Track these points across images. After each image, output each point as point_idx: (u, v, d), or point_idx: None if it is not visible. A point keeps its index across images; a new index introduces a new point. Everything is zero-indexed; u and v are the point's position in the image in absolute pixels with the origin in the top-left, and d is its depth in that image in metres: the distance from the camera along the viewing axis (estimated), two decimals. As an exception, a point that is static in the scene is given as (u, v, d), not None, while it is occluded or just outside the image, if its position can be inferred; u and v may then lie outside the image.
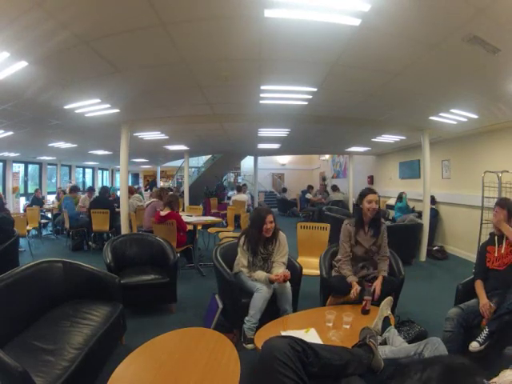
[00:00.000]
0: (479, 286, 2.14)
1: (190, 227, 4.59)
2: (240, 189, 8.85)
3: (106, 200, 5.83)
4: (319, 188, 10.57)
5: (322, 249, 3.05)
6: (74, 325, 1.90)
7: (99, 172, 15.31)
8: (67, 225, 5.82)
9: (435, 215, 5.69)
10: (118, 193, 7.11)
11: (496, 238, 2.23)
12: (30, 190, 10.32)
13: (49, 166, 11.32)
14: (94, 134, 5.87)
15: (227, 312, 2.45)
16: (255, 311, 2.23)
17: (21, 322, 1.85)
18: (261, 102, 3.82)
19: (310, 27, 2.03)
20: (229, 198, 9.93)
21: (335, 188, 9.09)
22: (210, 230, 5.53)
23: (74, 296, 2.24)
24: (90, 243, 5.63)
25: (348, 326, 1.89)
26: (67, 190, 7.42)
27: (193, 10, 1.89)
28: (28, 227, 5.97)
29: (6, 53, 2.34)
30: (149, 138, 6.30)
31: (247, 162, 13.61)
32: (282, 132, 5.99)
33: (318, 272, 2.65)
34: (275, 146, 7.78)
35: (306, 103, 3.83)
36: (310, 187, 9.93)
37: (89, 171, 14.60)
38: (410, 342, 1.76)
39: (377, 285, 2.33)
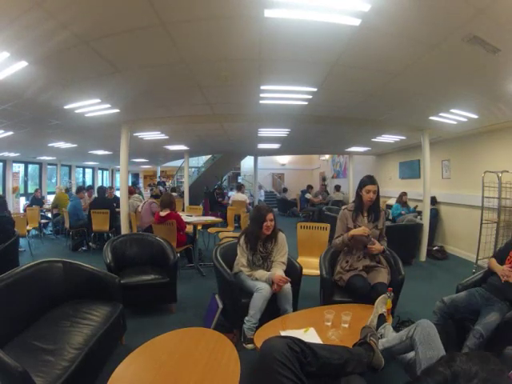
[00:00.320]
0: (493, 262, 2.20)
1: (189, 227, 4.60)
2: (240, 188, 8.86)
3: (105, 200, 5.83)
4: (319, 188, 10.57)
5: (321, 249, 3.05)
6: (74, 325, 1.90)
7: (99, 172, 15.31)
8: (67, 225, 5.82)
9: (435, 215, 5.69)
10: (117, 193, 7.09)
11: None
12: (30, 189, 10.31)
13: (49, 166, 11.32)
14: (93, 134, 5.87)
15: (227, 312, 2.45)
16: (255, 311, 2.23)
17: (21, 321, 1.85)
18: (261, 102, 3.82)
19: (310, 27, 2.03)
20: (228, 198, 9.93)
21: (338, 188, 9.09)
22: (209, 229, 5.53)
23: (74, 296, 2.24)
24: (90, 243, 5.64)
25: (347, 325, 1.89)
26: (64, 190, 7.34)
27: (193, 9, 1.89)
28: (28, 227, 5.98)
29: (6, 53, 2.35)
30: (149, 138, 6.30)
31: (247, 162, 13.62)
32: (281, 132, 5.99)
33: (317, 272, 2.65)
34: (275, 146, 7.78)
35: (306, 103, 3.83)
36: (310, 187, 9.93)
37: (89, 171, 14.61)
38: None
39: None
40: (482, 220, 4.31)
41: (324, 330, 1.86)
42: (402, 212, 5.65)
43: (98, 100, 3.66)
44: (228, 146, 7.96)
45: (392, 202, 6.68)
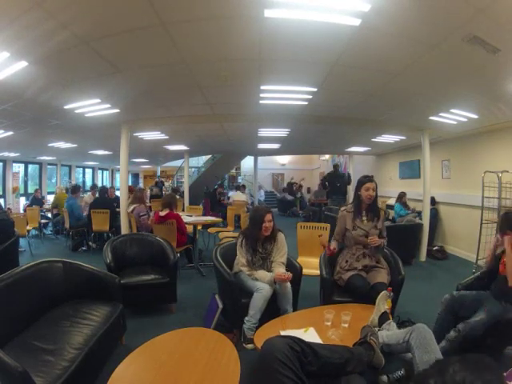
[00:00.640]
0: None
1: (189, 227, 4.59)
2: (240, 188, 8.87)
3: (106, 200, 5.82)
4: (318, 188, 10.54)
5: (322, 249, 3.05)
6: (74, 325, 1.90)
7: (99, 172, 15.30)
8: (67, 225, 5.82)
9: (435, 215, 5.69)
10: (117, 192, 7.07)
11: None
12: (30, 189, 10.31)
13: (49, 166, 11.31)
14: (93, 134, 5.87)
15: (227, 312, 2.45)
16: (255, 311, 2.23)
17: (21, 321, 1.84)
18: (261, 102, 3.82)
19: (310, 27, 2.03)
20: (228, 198, 9.93)
21: None
22: (210, 229, 5.53)
23: (74, 296, 2.24)
24: (90, 243, 5.63)
25: (346, 325, 1.89)
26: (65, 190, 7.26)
27: (193, 9, 1.89)
28: (28, 227, 5.97)
29: (6, 53, 2.34)
30: (149, 138, 6.30)
31: (247, 162, 13.61)
32: (281, 132, 5.99)
33: (317, 272, 2.65)
34: (275, 146, 7.78)
35: (306, 103, 3.83)
36: (291, 185, 9.43)
37: (89, 171, 14.60)
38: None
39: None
40: (482, 220, 4.31)
41: (324, 329, 1.86)
42: (409, 212, 5.67)
43: (98, 100, 3.66)
44: (228, 145, 7.95)
45: (392, 201, 6.68)
